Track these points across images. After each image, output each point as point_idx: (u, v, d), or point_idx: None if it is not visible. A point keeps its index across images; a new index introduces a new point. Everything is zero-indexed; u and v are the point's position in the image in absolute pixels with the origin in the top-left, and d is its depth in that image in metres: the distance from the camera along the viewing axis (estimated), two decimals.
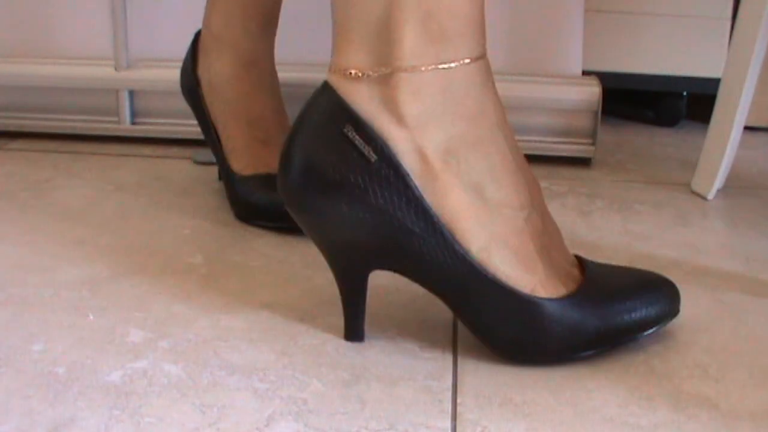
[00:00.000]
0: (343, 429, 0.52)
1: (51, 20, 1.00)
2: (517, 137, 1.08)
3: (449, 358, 0.61)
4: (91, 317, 0.65)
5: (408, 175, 0.57)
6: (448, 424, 0.53)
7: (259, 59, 0.88)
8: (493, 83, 0.61)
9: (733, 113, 0.94)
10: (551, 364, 0.60)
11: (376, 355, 0.61)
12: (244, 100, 0.86)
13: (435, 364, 0.60)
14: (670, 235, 0.85)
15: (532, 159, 1.09)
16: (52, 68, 1.08)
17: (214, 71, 0.86)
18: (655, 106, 1.31)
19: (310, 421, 0.53)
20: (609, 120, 1.30)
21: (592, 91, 1.06)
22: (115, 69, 1.08)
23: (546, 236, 0.61)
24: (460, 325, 0.65)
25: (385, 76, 0.57)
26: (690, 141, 1.21)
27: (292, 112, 1.08)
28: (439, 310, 0.67)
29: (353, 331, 0.63)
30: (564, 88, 1.07)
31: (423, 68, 0.57)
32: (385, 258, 0.59)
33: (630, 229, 0.86)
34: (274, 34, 0.90)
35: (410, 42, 0.56)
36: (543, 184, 1.00)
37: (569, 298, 0.59)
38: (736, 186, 1.01)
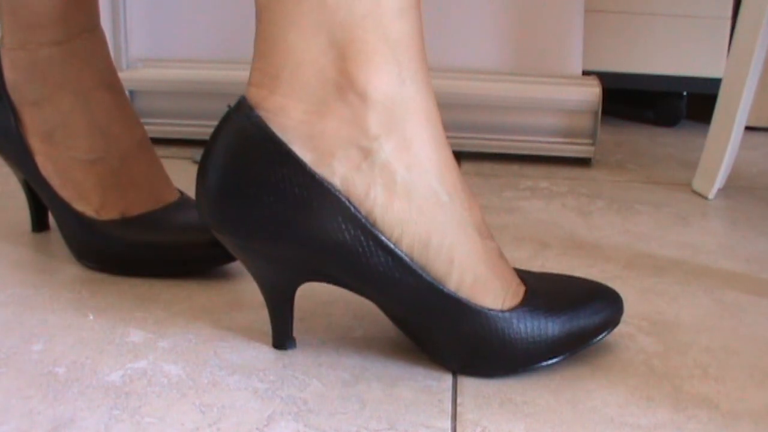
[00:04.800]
0: (343, 429, 0.52)
1: None
2: (517, 137, 1.09)
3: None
4: (91, 317, 0.65)
5: None
6: (448, 424, 0.53)
7: None
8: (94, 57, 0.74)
9: (734, 113, 0.94)
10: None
11: (376, 355, 0.61)
12: None
13: (435, 364, 0.59)
14: (670, 235, 0.85)
15: (533, 159, 1.09)
16: None
17: None
18: (655, 106, 1.32)
19: (310, 421, 0.53)
20: (609, 120, 1.30)
21: (592, 91, 1.06)
22: None
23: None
24: None
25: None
26: (690, 141, 1.21)
27: None
28: None
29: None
30: (564, 88, 1.07)
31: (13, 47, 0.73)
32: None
33: (630, 229, 0.86)
34: None
35: (7, 26, 0.73)
36: (543, 183, 1.00)
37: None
38: (737, 186, 1.01)
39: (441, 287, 0.56)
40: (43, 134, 0.73)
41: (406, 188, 0.55)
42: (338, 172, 0.54)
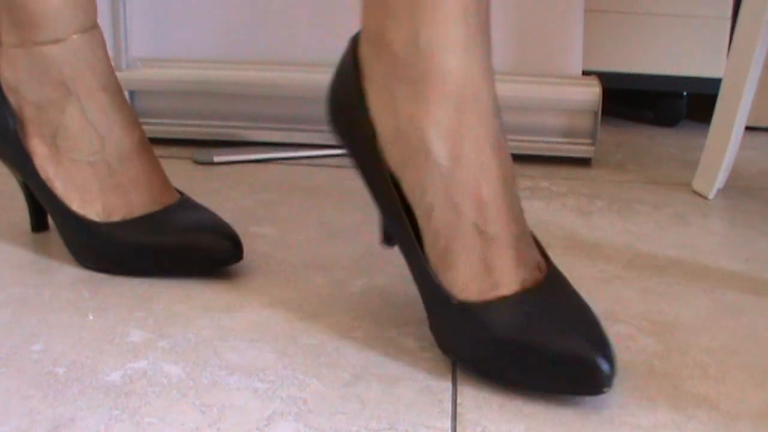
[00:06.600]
0: (343, 429, 0.52)
1: None
2: (517, 137, 1.09)
3: (449, 358, 0.61)
4: (91, 317, 0.65)
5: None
6: (448, 424, 0.53)
7: None
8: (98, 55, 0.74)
9: (734, 113, 0.94)
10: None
11: (376, 355, 0.61)
12: None
13: (435, 364, 0.59)
14: (670, 235, 0.85)
15: (533, 159, 1.09)
16: None
17: None
18: (655, 106, 1.32)
19: (310, 421, 0.53)
20: (609, 120, 1.30)
21: (592, 91, 1.06)
22: (115, 69, 1.08)
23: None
24: None
25: None
26: (690, 141, 1.21)
27: (292, 113, 1.08)
28: None
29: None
30: (564, 88, 1.07)
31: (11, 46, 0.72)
32: None
33: (630, 229, 0.86)
34: None
35: (3, 25, 0.72)
36: (543, 183, 1.00)
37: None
38: (737, 186, 1.01)
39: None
40: (45, 137, 0.73)
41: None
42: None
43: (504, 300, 0.57)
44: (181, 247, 0.71)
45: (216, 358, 0.60)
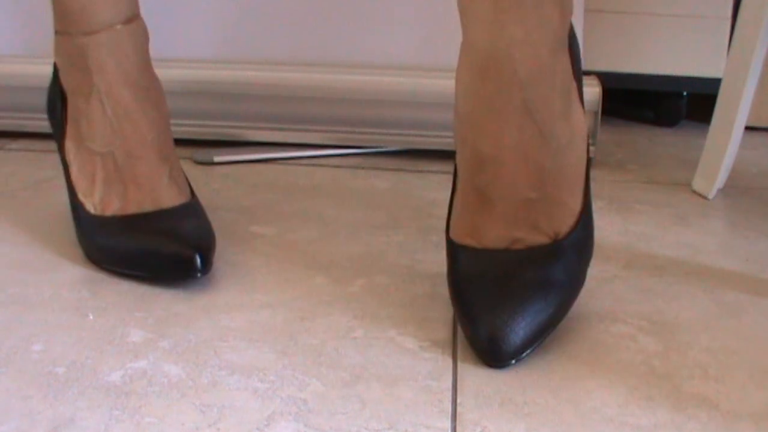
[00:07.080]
0: (343, 429, 0.52)
1: (51, 21, 1.00)
2: None
3: (449, 358, 0.61)
4: (91, 317, 0.65)
5: None
6: (448, 424, 0.53)
7: None
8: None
9: (734, 113, 0.94)
10: None
11: (376, 355, 0.61)
12: None
13: (435, 364, 0.60)
14: (670, 235, 0.85)
15: None
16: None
17: None
18: (655, 106, 1.32)
19: (310, 421, 0.53)
20: (609, 120, 1.30)
21: (593, 91, 1.06)
22: None
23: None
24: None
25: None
26: (690, 141, 1.21)
27: (292, 113, 1.08)
28: (439, 309, 0.67)
29: None
30: None
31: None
32: None
33: (630, 229, 0.86)
34: None
35: (54, 13, 0.75)
36: None
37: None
38: (737, 186, 1.01)
39: None
40: (74, 121, 0.75)
41: None
42: None
43: (462, 249, 0.64)
44: (143, 252, 0.70)
45: (216, 358, 0.60)
